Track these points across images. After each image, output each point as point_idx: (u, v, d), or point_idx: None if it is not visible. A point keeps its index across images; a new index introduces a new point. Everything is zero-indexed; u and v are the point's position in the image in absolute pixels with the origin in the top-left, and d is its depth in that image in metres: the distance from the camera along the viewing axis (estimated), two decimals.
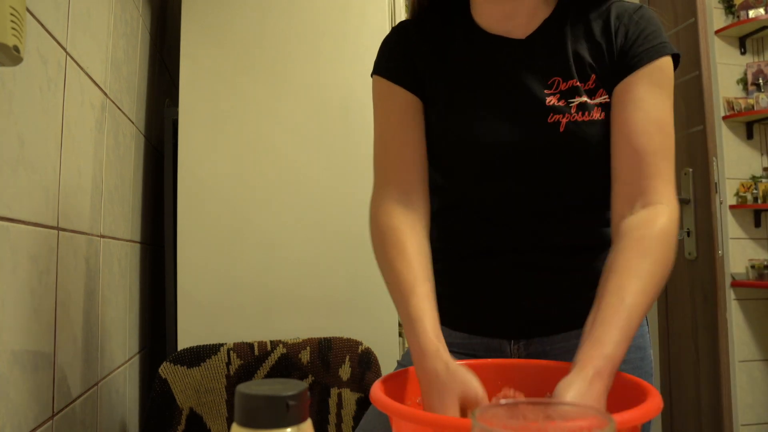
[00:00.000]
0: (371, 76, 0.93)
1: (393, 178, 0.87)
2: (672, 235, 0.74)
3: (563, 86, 0.82)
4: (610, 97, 0.82)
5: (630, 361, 0.85)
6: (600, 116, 0.81)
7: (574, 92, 0.81)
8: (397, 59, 0.90)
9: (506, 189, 0.85)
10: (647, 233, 0.73)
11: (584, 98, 0.81)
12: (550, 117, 0.80)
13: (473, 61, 0.87)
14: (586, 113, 0.80)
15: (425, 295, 0.74)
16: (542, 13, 0.86)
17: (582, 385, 0.61)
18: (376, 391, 0.62)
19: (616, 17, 0.83)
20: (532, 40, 0.85)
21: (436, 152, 0.88)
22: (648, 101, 0.78)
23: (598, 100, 0.81)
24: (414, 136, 0.87)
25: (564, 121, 0.80)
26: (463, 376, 0.65)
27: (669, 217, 0.75)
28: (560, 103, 0.81)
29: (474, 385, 0.65)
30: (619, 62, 0.81)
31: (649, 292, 0.69)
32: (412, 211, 0.84)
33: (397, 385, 0.70)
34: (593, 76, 0.82)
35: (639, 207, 0.76)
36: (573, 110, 0.80)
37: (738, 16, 2.89)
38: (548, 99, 0.81)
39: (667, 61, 0.81)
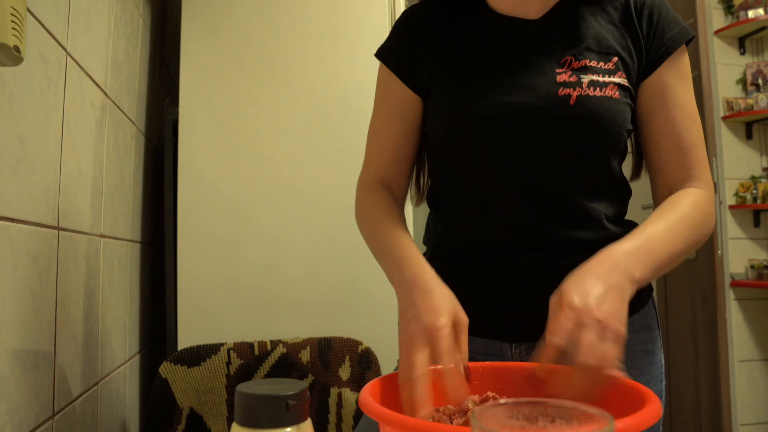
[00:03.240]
0: (375, 55, 0.96)
1: (376, 169, 0.94)
2: (706, 204, 0.81)
3: (575, 65, 0.82)
4: (629, 82, 0.83)
5: (638, 366, 0.84)
6: (614, 94, 0.81)
7: (587, 69, 0.82)
8: (400, 49, 0.92)
9: (515, 171, 0.83)
10: (679, 200, 0.80)
11: (597, 76, 0.81)
12: (560, 90, 0.81)
13: (485, 42, 0.87)
14: (598, 89, 0.81)
15: (412, 244, 0.81)
16: None
17: (594, 270, 0.66)
18: (365, 395, 0.61)
19: (634, 2, 0.86)
20: (545, 21, 0.86)
21: (445, 134, 0.86)
22: (681, 95, 0.84)
23: (615, 80, 0.82)
24: (403, 133, 0.92)
25: (575, 94, 0.80)
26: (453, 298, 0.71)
27: (702, 195, 0.81)
28: (571, 79, 0.81)
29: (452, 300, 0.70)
30: (647, 50, 0.84)
31: (672, 234, 0.75)
32: (391, 197, 0.92)
33: (389, 388, 0.70)
34: (614, 59, 0.83)
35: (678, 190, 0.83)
36: (585, 85, 0.80)
37: (737, 17, 2.89)
38: (559, 76, 0.82)
39: (684, 49, 0.86)
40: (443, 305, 0.68)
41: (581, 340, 0.59)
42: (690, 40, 0.85)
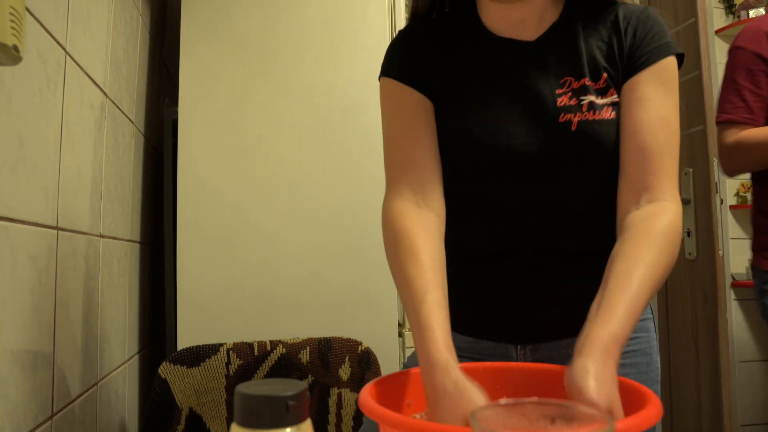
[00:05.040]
0: (379, 79, 0.92)
1: (405, 179, 0.84)
2: (677, 232, 0.76)
3: (575, 85, 0.82)
4: (620, 96, 0.83)
5: (636, 365, 0.85)
6: (610, 116, 0.81)
7: (585, 90, 0.82)
8: (405, 61, 0.90)
9: (518, 191, 0.84)
10: (654, 225, 0.74)
11: (593, 97, 0.81)
12: (561, 117, 0.81)
13: (483, 64, 0.87)
14: (596, 112, 0.81)
15: (437, 302, 0.71)
16: (550, 17, 0.87)
17: (597, 367, 0.60)
18: (365, 395, 0.61)
19: (623, 18, 0.85)
20: (542, 42, 0.86)
21: (447, 155, 0.87)
22: (654, 99, 0.80)
23: (608, 100, 0.82)
24: (425, 136, 0.86)
25: (576, 120, 0.80)
26: (470, 395, 0.63)
27: (674, 213, 0.76)
28: (571, 102, 0.81)
29: (480, 404, 0.63)
30: (628, 61, 0.83)
31: (654, 280, 0.71)
32: (427, 212, 0.82)
33: (389, 388, 0.69)
34: (604, 75, 0.83)
35: (645, 202, 0.77)
36: (584, 109, 0.81)
37: (738, 16, 2.89)
38: (559, 99, 0.82)
39: (672, 61, 0.83)
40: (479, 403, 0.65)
41: None
42: (679, 56, 0.84)
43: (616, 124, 0.82)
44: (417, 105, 0.87)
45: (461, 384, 0.63)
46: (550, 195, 0.83)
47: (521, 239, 0.85)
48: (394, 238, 0.80)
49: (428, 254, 0.76)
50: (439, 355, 0.66)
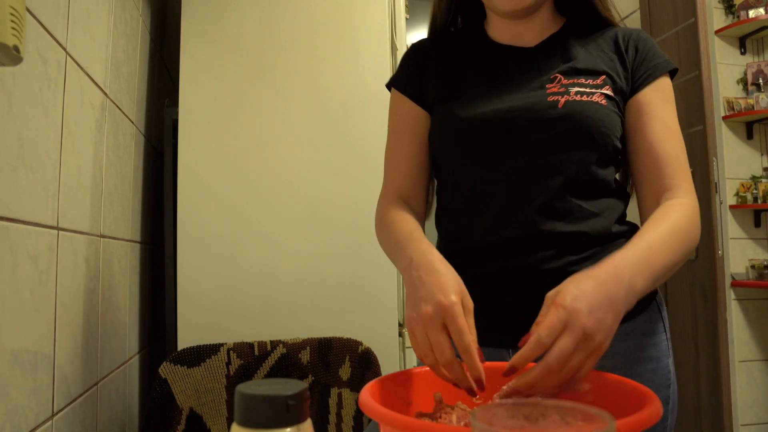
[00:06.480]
0: (387, 85, 1.03)
1: (395, 186, 0.98)
2: (693, 218, 0.83)
3: (564, 81, 0.89)
4: (615, 96, 0.89)
5: (640, 374, 0.85)
6: (601, 101, 0.87)
7: (575, 84, 0.88)
8: (408, 74, 1.00)
9: (510, 169, 0.87)
10: (669, 210, 0.82)
11: (585, 88, 0.88)
12: (549, 98, 0.87)
13: (484, 63, 0.95)
14: (585, 96, 0.87)
15: (423, 234, 0.84)
16: (550, 31, 0.96)
17: (579, 278, 0.66)
18: (365, 395, 0.61)
19: (622, 37, 0.94)
20: (539, 48, 0.94)
21: (445, 139, 0.93)
22: (662, 113, 0.89)
23: (603, 91, 0.88)
24: (416, 149, 0.98)
25: (563, 99, 0.86)
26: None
27: (689, 205, 0.84)
28: (560, 90, 0.88)
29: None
30: (632, 75, 0.92)
31: (669, 245, 0.76)
32: (413, 213, 0.94)
33: (389, 388, 0.69)
34: (603, 77, 0.90)
35: (663, 201, 0.85)
36: (572, 93, 0.87)
37: (738, 16, 2.89)
38: (549, 88, 0.89)
39: (668, 77, 0.93)
40: (451, 284, 0.69)
41: (558, 342, 0.61)
42: (673, 71, 0.92)
43: (608, 110, 0.87)
44: (413, 117, 0.98)
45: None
46: (540, 177, 0.86)
47: (514, 234, 0.86)
48: (391, 219, 0.91)
49: (417, 224, 0.89)
50: (434, 250, 0.77)
